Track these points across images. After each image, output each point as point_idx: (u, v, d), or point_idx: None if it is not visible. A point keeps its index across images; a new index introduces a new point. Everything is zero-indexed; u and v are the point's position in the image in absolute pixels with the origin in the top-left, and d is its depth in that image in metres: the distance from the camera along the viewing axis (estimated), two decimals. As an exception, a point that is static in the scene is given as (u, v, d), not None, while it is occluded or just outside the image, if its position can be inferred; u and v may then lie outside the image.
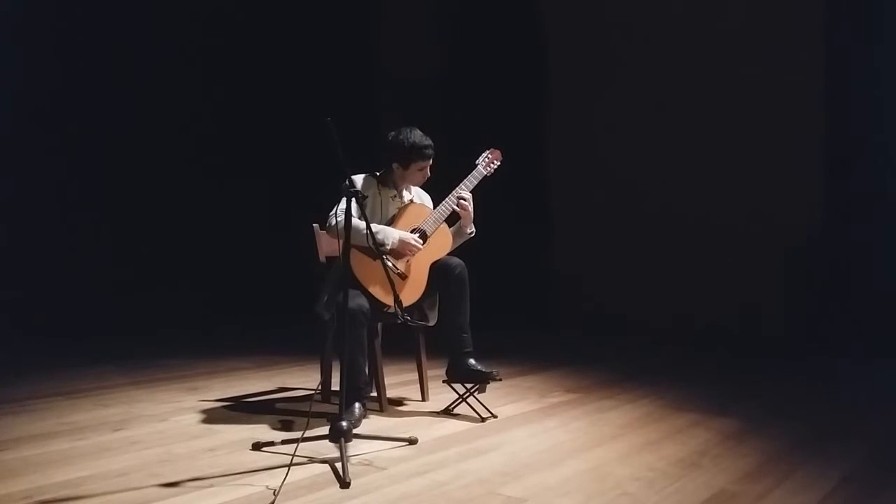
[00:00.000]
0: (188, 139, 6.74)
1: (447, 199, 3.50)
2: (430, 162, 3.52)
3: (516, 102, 6.90)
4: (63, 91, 6.06)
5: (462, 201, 3.48)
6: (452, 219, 3.58)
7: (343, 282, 2.81)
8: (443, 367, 3.49)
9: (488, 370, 3.36)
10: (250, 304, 6.80)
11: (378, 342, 3.50)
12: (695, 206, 6.02)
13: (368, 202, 3.42)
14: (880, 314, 5.13)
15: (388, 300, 3.21)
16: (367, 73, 7.66)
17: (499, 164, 3.62)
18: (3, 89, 5.69)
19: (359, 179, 3.45)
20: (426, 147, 3.46)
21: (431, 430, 3.17)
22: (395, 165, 3.50)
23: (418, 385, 3.76)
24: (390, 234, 3.35)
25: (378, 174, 3.54)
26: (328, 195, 3.31)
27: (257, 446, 2.86)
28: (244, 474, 2.56)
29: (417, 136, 3.46)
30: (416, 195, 3.65)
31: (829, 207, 5.51)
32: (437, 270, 3.45)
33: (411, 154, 3.44)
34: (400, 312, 2.96)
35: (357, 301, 3.14)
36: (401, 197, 3.56)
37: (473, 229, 3.61)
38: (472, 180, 3.54)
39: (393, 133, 3.49)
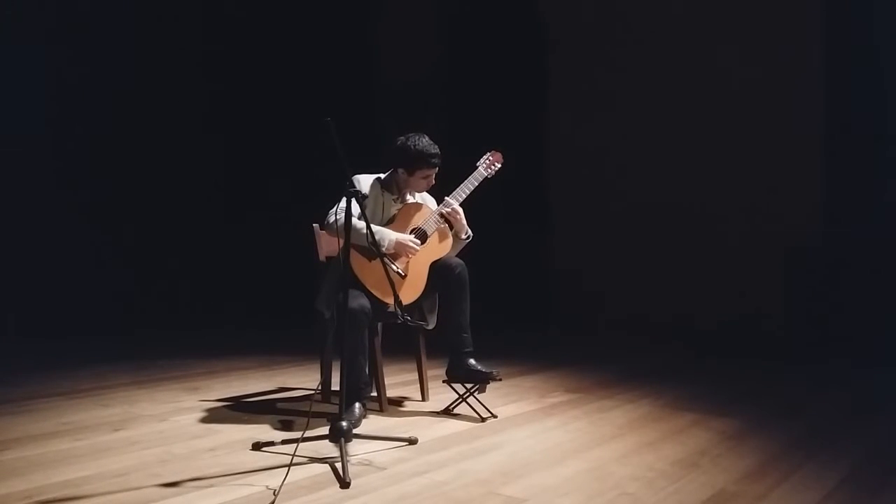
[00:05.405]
0: (187, 139, 6.73)
1: (447, 199, 3.50)
2: (436, 171, 3.49)
3: (516, 102, 6.89)
4: (64, 93, 6.06)
5: (448, 210, 3.47)
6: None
7: (343, 281, 2.81)
8: (443, 367, 3.49)
9: (488, 370, 3.37)
10: (250, 304, 6.79)
11: (378, 342, 3.50)
12: (695, 206, 6.02)
13: (369, 203, 3.43)
14: (880, 315, 5.13)
15: (387, 299, 3.22)
16: (366, 74, 7.65)
17: (500, 166, 3.62)
18: (7, 90, 5.70)
19: (363, 178, 3.47)
20: (432, 156, 3.43)
21: (431, 430, 3.17)
22: (399, 170, 3.49)
23: (418, 385, 3.77)
24: (387, 236, 3.34)
25: (382, 177, 3.54)
26: (328, 195, 3.30)
27: (257, 446, 2.86)
28: (244, 474, 2.56)
29: (425, 143, 3.43)
30: (419, 195, 3.63)
31: (830, 208, 5.51)
32: (438, 270, 3.45)
33: (417, 161, 3.43)
34: (400, 312, 2.96)
35: (359, 301, 3.15)
36: (402, 200, 3.55)
37: (470, 233, 3.61)
38: (472, 182, 3.54)
39: (402, 138, 3.47)
